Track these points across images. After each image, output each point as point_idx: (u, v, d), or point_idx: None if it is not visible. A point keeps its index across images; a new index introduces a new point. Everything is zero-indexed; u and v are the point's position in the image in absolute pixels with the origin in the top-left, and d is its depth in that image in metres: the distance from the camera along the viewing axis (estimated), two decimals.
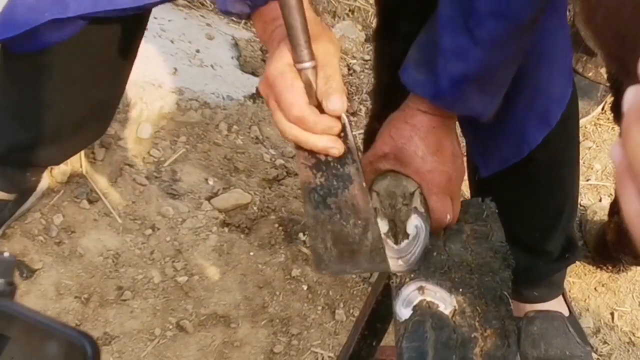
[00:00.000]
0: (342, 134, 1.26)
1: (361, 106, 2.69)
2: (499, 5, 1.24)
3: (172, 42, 2.63)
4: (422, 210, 1.37)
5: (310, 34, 1.20)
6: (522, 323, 2.03)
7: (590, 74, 2.71)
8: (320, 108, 1.23)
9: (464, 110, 1.37)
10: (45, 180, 2.18)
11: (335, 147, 1.26)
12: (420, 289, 1.31)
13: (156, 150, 2.38)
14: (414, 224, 1.37)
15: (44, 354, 0.76)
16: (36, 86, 1.83)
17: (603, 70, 2.70)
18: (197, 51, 2.66)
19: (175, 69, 2.55)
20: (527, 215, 1.85)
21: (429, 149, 1.37)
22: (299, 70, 1.22)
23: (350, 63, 2.81)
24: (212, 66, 2.64)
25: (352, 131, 1.27)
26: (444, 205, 1.39)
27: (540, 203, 1.84)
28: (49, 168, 2.17)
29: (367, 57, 2.88)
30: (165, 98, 2.47)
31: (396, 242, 1.36)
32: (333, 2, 3.00)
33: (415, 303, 1.30)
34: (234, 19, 2.84)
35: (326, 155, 1.27)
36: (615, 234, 2.25)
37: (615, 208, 2.25)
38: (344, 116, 1.25)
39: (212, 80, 2.58)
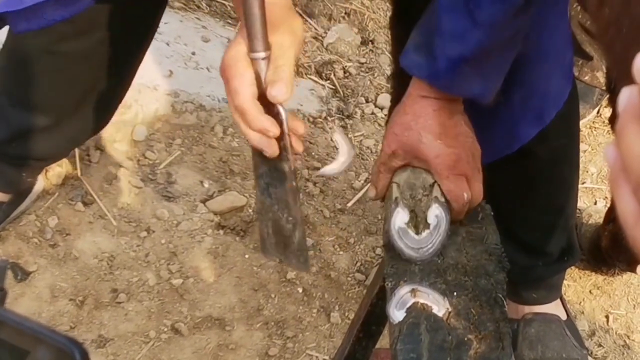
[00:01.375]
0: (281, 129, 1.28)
1: (357, 109, 2.69)
2: None
3: (167, 44, 2.63)
4: (443, 200, 1.37)
5: (272, 21, 1.23)
6: (519, 325, 2.03)
7: (586, 78, 2.71)
8: (266, 101, 1.26)
9: (462, 92, 1.36)
10: (41, 182, 2.18)
11: (267, 150, 1.29)
12: (413, 291, 1.31)
13: (151, 152, 2.38)
14: (435, 213, 1.37)
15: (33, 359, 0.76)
16: (39, 66, 1.81)
17: (599, 74, 2.71)
18: (193, 54, 2.66)
19: (171, 72, 2.55)
20: (528, 214, 1.85)
21: (432, 134, 1.36)
22: (252, 60, 1.25)
23: (345, 66, 2.81)
24: (207, 69, 2.63)
25: (287, 127, 1.29)
26: (458, 185, 1.39)
27: (541, 201, 1.84)
28: (44, 170, 2.17)
29: (362, 60, 2.88)
30: (161, 100, 2.47)
31: (417, 232, 1.36)
32: (329, 5, 3.00)
33: (408, 305, 1.30)
34: (230, 21, 2.84)
35: None
36: (610, 241, 2.26)
37: (610, 216, 2.25)
38: (282, 112, 1.27)
39: (208, 82, 2.58)
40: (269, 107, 1.27)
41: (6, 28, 1.80)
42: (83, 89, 1.87)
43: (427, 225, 1.36)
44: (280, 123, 1.27)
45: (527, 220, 1.86)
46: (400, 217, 1.36)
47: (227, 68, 1.27)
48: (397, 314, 1.30)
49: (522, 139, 1.64)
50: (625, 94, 0.57)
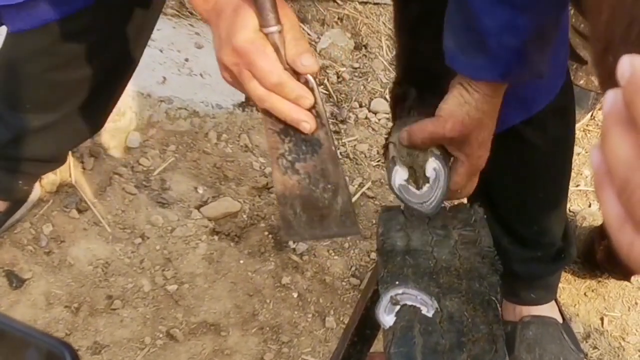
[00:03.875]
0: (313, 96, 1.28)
1: (350, 114, 2.70)
2: None
3: (161, 51, 2.63)
4: (438, 152, 1.38)
5: None
6: (517, 327, 2.03)
7: (581, 82, 2.71)
8: (290, 72, 1.26)
9: (531, 75, 1.37)
10: (37, 191, 2.18)
11: (307, 122, 1.29)
12: (401, 294, 1.32)
13: (145, 159, 2.38)
14: (432, 166, 1.38)
15: None
16: (35, 67, 1.81)
17: (594, 78, 2.71)
18: (186, 60, 2.67)
19: (164, 78, 2.56)
20: (525, 206, 1.86)
21: (488, 136, 1.39)
22: (267, 35, 1.23)
23: (339, 71, 2.82)
24: (201, 75, 2.64)
25: (320, 94, 1.29)
26: (472, 185, 1.42)
27: (538, 193, 1.85)
28: (40, 178, 2.17)
29: (356, 65, 2.88)
30: (155, 107, 2.47)
31: (418, 188, 1.38)
32: (322, 10, 3.01)
33: (397, 309, 1.30)
34: None
35: None
36: (605, 255, 2.27)
37: (605, 231, 2.26)
38: (312, 80, 1.27)
39: (201, 89, 2.59)
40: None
41: (4, 32, 1.81)
42: (79, 91, 1.87)
43: (426, 179, 1.38)
44: (312, 90, 1.27)
45: (524, 212, 1.87)
46: (399, 175, 1.38)
47: (245, 50, 1.24)
48: (386, 319, 1.30)
49: (505, 122, 1.64)
50: (610, 98, 0.57)
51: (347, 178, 1.34)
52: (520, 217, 1.86)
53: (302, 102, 1.28)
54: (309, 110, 1.29)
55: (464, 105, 1.37)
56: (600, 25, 0.92)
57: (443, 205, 1.43)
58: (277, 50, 1.24)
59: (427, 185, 1.38)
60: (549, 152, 1.78)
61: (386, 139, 1.50)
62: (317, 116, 1.29)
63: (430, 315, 1.29)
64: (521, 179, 1.81)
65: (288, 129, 1.31)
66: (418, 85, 1.59)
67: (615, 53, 0.91)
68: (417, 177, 1.39)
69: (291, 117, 1.28)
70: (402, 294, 1.32)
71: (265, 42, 1.24)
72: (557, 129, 1.75)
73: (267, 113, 1.30)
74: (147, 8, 1.79)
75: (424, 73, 1.61)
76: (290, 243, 2.30)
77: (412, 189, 1.38)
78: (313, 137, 1.30)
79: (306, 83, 1.27)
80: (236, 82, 1.30)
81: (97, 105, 1.95)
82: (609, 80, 0.92)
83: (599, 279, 2.40)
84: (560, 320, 2.07)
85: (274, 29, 1.23)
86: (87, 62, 1.79)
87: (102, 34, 1.75)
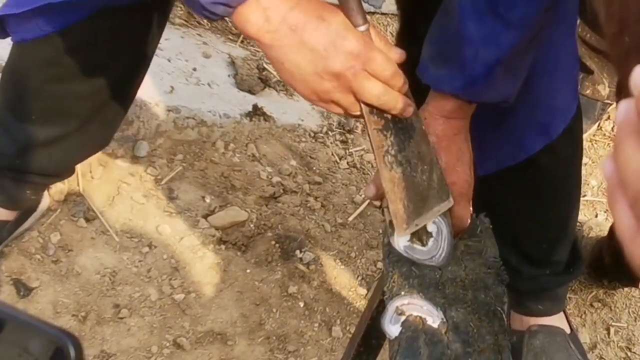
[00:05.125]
0: None
1: (357, 124, 2.70)
2: None
3: (168, 60, 2.64)
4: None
5: None
6: (524, 337, 2.03)
7: (587, 92, 2.72)
8: None
9: (493, 96, 1.37)
10: (46, 200, 2.18)
11: (411, 105, 1.30)
12: (406, 304, 1.32)
13: (153, 168, 2.38)
14: (434, 220, 1.39)
15: (27, 352, 0.77)
16: (40, 79, 1.81)
17: (600, 88, 2.71)
18: (194, 69, 2.67)
19: (172, 88, 2.56)
20: (533, 226, 1.86)
21: (452, 159, 1.38)
22: None
23: None
24: (209, 84, 2.65)
25: None
26: (466, 211, 1.42)
27: (547, 213, 1.85)
28: (48, 187, 2.17)
29: None
30: (162, 116, 2.48)
31: (423, 245, 1.38)
32: None
33: (402, 320, 1.31)
34: (214, 21, 2.84)
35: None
36: (612, 257, 2.26)
37: (614, 232, 2.26)
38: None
39: (209, 98, 2.59)
40: None
41: (9, 44, 1.81)
42: (85, 103, 1.87)
43: (429, 234, 1.38)
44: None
45: (532, 231, 1.87)
46: (401, 238, 1.38)
47: (360, 50, 1.22)
48: (392, 329, 1.30)
49: (527, 150, 1.65)
50: (623, 108, 0.56)
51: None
52: (529, 236, 1.86)
53: (404, 88, 1.29)
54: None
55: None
56: (614, 5, 0.92)
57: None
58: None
59: (432, 239, 1.38)
60: (559, 172, 1.78)
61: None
62: (407, 96, 1.32)
63: (435, 325, 1.30)
64: (530, 199, 1.81)
65: (388, 123, 1.32)
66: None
67: (630, 33, 0.91)
68: (419, 234, 1.39)
69: (401, 105, 1.29)
70: (408, 304, 1.32)
71: (369, 38, 1.25)
72: (567, 150, 1.75)
73: (370, 112, 1.29)
74: (152, 19, 1.79)
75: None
76: (297, 252, 2.30)
77: (418, 247, 1.38)
78: (407, 122, 1.32)
79: None
80: (343, 91, 1.25)
81: (105, 119, 1.94)
82: (625, 61, 0.92)
83: (606, 289, 2.40)
84: (567, 330, 2.07)
85: (363, 28, 1.24)
86: (93, 74, 1.79)
87: (106, 46, 1.74)
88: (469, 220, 1.43)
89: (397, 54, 1.28)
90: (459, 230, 1.42)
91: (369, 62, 1.23)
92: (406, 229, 1.37)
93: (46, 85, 1.82)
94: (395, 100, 1.28)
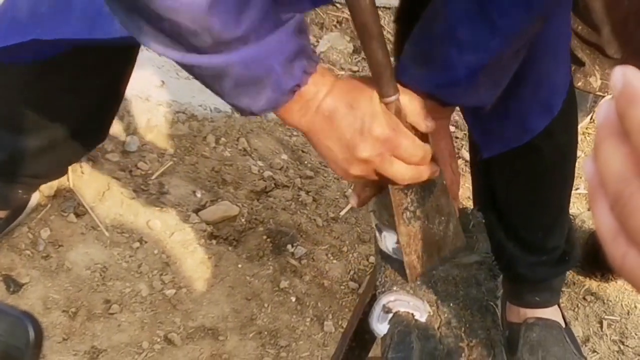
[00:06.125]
0: None
1: None
2: None
3: (159, 54, 2.62)
4: None
5: None
6: (521, 329, 2.03)
7: (579, 84, 2.71)
8: (412, 131, 1.26)
9: (470, 101, 1.37)
10: (35, 197, 2.17)
11: (437, 170, 1.32)
12: (393, 301, 1.32)
13: (143, 163, 2.37)
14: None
15: None
16: (27, 93, 1.80)
17: (592, 80, 2.71)
18: None
19: (163, 82, 2.55)
20: (530, 212, 1.86)
21: None
22: (388, 104, 1.22)
23: (338, 74, 2.81)
24: None
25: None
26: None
27: (544, 199, 1.85)
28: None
29: (355, 68, 2.88)
30: (153, 111, 2.47)
31: None
32: (321, 14, 3.01)
33: (389, 317, 1.30)
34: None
35: None
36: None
37: None
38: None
39: (200, 92, 2.58)
40: None
41: None
42: (74, 112, 1.87)
43: None
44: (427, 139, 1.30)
45: (529, 218, 1.87)
46: (389, 239, 1.38)
47: (390, 138, 1.22)
48: (380, 327, 1.30)
49: (532, 130, 1.65)
50: (603, 109, 0.57)
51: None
52: (525, 222, 1.86)
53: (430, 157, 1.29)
54: None
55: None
56: None
57: None
58: (398, 114, 1.24)
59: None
60: (554, 158, 1.78)
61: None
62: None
63: (423, 320, 1.29)
64: (526, 185, 1.81)
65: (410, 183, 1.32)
66: None
67: None
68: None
69: (426, 177, 1.30)
70: (395, 300, 1.32)
71: (397, 120, 1.23)
72: (562, 134, 1.75)
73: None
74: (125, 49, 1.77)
75: None
76: (289, 247, 2.30)
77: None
78: (429, 179, 1.33)
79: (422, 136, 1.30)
80: (369, 173, 1.27)
81: (94, 123, 1.95)
82: (624, 27, 0.91)
83: (599, 282, 2.40)
84: (562, 323, 2.07)
85: (394, 97, 1.22)
86: (80, 88, 1.80)
87: (95, 63, 1.74)
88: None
89: (429, 125, 1.28)
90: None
91: (396, 148, 1.23)
92: (416, 279, 1.39)
93: (33, 99, 1.82)
94: (421, 175, 1.29)
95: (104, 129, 2.01)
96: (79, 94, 1.82)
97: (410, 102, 1.26)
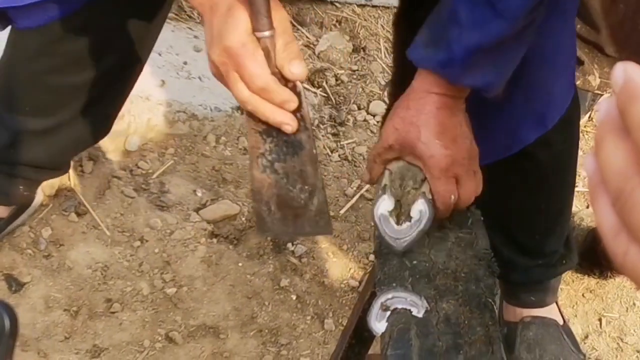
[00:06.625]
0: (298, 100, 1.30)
1: (349, 116, 2.70)
2: None
3: (159, 54, 2.63)
4: (430, 197, 1.37)
5: None
6: (517, 328, 2.04)
7: (578, 82, 2.71)
8: (278, 76, 1.27)
9: (471, 82, 1.35)
10: (39, 196, 2.18)
11: (290, 124, 1.31)
12: (390, 299, 1.32)
13: (144, 162, 2.38)
14: (419, 208, 1.37)
15: None
16: (35, 69, 1.81)
17: (591, 78, 2.71)
18: (185, 63, 2.67)
19: (163, 81, 2.56)
20: (527, 217, 1.86)
21: (431, 133, 1.36)
22: (258, 39, 1.25)
23: (337, 73, 2.82)
24: (199, 78, 2.64)
25: (306, 99, 1.31)
26: (448, 188, 1.39)
27: (541, 205, 1.84)
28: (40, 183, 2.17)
29: (354, 67, 2.88)
30: (153, 110, 2.47)
31: (397, 223, 1.37)
32: (320, 13, 3.01)
33: (387, 315, 1.31)
34: None
35: None
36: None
37: None
38: (299, 85, 1.29)
39: (200, 92, 2.59)
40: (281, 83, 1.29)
41: (3, 39, 1.81)
42: (80, 94, 1.86)
43: (409, 218, 1.37)
44: (298, 95, 1.29)
45: (525, 222, 1.87)
46: (384, 205, 1.37)
47: (236, 52, 1.25)
48: (378, 326, 1.30)
49: (522, 141, 1.64)
50: (604, 105, 0.56)
51: (323, 181, 1.38)
52: (522, 227, 1.86)
53: (286, 106, 1.30)
54: (293, 113, 1.31)
55: (401, 110, 1.38)
56: None
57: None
58: (267, 54, 1.26)
59: (407, 223, 1.36)
60: (554, 166, 1.78)
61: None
62: (302, 119, 1.32)
63: (420, 316, 1.29)
64: (524, 191, 1.81)
65: (271, 130, 1.34)
66: None
67: (625, 0, 0.91)
68: (401, 212, 1.38)
69: (274, 119, 1.31)
70: (392, 298, 1.32)
71: (256, 46, 1.25)
72: (562, 144, 1.75)
73: (250, 114, 1.33)
74: (153, 10, 1.78)
75: None
76: (289, 245, 2.31)
77: (392, 222, 1.37)
78: (295, 139, 1.33)
79: (294, 87, 1.29)
80: (222, 80, 1.32)
81: (99, 112, 1.94)
82: (619, 30, 0.92)
83: (597, 279, 2.41)
84: (560, 321, 2.07)
85: (266, 33, 1.24)
86: (88, 64, 1.79)
87: (103, 34, 1.74)
88: (452, 199, 1.41)
89: (293, 71, 1.28)
90: (443, 207, 1.41)
91: (238, 67, 1.26)
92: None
93: (41, 76, 1.81)
94: (264, 112, 1.30)
95: (109, 116, 2.00)
96: (89, 65, 1.80)
97: (284, 46, 1.27)
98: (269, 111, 1.30)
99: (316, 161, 1.35)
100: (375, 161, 1.42)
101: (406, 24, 1.77)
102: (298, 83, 1.29)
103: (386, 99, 2.70)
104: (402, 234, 1.36)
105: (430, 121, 1.36)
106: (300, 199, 1.37)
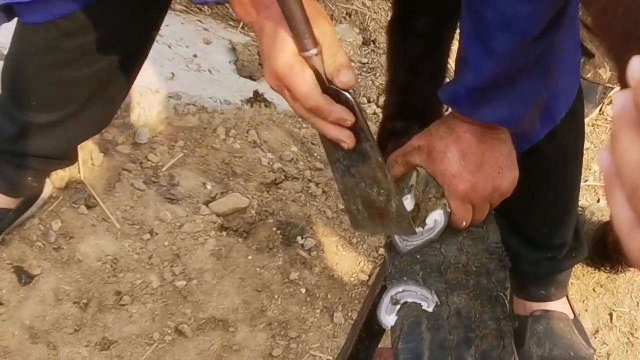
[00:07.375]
0: (353, 114, 1.29)
1: None
2: (505, 18, 1.24)
3: (169, 47, 2.63)
4: (449, 210, 1.39)
5: (310, 16, 1.21)
6: (528, 322, 2.03)
7: (589, 76, 2.70)
8: (332, 91, 1.27)
9: (485, 119, 1.37)
10: (48, 189, 2.18)
11: (346, 142, 1.30)
12: (401, 292, 1.32)
13: (154, 155, 2.38)
14: (436, 218, 1.39)
15: None
16: (42, 63, 1.81)
17: (602, 72, 2.70)
18: (195, 56, 2.67)
19: (173, 74, 2.56)
20: (535, 210, 1.85)
21: (459, 152, 1.38)
22: (306, 59, 1.24)
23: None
24: (209, 71, 2.64)
25: (362, 112, 1.30)
26: (463, 212, 1.41)
27: (548, 198, 1.84)
28: (49, 175, 2.17)
29: (364, 60, 2.88)
30: (163, 103, 2.47)
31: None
32: (330, 5, 3.01)
33: (397, 309, 1.31)
34: (213, 6, 2.83)
35: None
36: (617, 238, 2.25)
37: None
38: (352, 99, 1.27)
39: (210, 85, 2.59)
40: (335, 99, 1.28)
41: (11, 33, 1.81)
42: (86, 88, 1.87)
43: (423, 224, 1.37)
44: (352, 108, 1.28)
45: (534, 216, 1.87)
46: (406, 204, 1.38)
47: (285, 76, 1.25)
48: (388, 320, 1.31)
49: (532, 139, 1.64)
50: (620, 99, 0.55)
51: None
52: (530, 220, 1.86)
53: (342, 123, 1.29)
54: (351, 127, 1.30)
55: (437, 124, 1.42)
56: None
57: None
58: (316, 72, 1.25)
59: (420, 229, 1.39)
60: (558, 159, 1.78)
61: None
62: (361, 131, 1.30)
63: (430, 310, 1.29)
64: (532, 184, 1.80)
65: None
66: (414, 122, 1.62)
67: (611, 7, 0.90)
68: (417, 215, 1.40)
69: (331, 137, 1.31)
70: (403, 292, 1.32)
71: (303, 67, 1.24)
72: (569, 136, 1.75)
73: None
74: (153, 4, 1.79)
75: (421, 112, 1.64)
76: (299, 239, 2.30)
77: None
78: (360, 149, 1.32)
79: (347, 102, 1.28)
80: (282, 96, 1.32)
81: (105, 100, 1.94)
82: (602, 18, 0.91)
83: (608, 274, 2.40)
84: (571, 316, 2.07)
85: (312, 52, 1.23)
86: (95, 59, 1.80)
87: (112, 29, 1.75)
88: (465, 224, 1.43)
89: (342, 80, 1.27)
90: (454, 227, 1.43)
91: (290, 89, 1.26)
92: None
93: (48, 71, 1.82)
94: (322, 130, 1.30)
95: (115, 106, 2.01)
96: (94, 60, 1.81)
97: (331, 58, 1.27)
98: (326, 129, 1.30)
99: (384, 168, 1.34)
100: (398, 161, 1.43)
101: (399, 32, 1.78)
102: (350, 97, 1.27)
103: None
104: (412, 237, 1.38)
105: (460, 142, 1.39)
106: (380, 201, 1.37)
